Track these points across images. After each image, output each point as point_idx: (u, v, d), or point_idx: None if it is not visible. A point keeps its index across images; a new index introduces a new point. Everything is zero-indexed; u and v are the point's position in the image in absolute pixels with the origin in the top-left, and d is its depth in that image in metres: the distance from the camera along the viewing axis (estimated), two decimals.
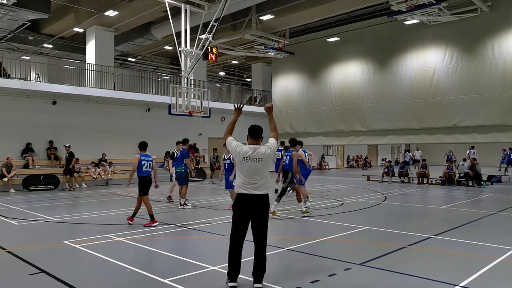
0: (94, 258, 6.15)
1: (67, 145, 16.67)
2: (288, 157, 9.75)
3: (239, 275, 4.78)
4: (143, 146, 9.02)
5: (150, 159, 8.88)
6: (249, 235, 4.80)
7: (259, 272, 4.75)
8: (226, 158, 10.37)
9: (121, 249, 6.84)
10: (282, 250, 6.47)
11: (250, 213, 4.79)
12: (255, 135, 4.97)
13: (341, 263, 5.78)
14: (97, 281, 5.26)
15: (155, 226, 8.53)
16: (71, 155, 16.35)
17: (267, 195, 4.88)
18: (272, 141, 5.01)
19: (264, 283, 4.75)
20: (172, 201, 12.11)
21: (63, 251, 6.58)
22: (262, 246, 4.79)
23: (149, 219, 8.67)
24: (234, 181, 10.07)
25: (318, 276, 5.18)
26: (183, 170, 11.26)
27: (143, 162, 8.70)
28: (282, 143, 14.99)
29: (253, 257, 4.79)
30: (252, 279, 4.78)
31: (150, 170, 8.81)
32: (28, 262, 5.81)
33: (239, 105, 5.31)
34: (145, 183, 8.74)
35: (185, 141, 11.80)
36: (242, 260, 4.78)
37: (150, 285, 4.95)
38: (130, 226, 8.52)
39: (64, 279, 5.08)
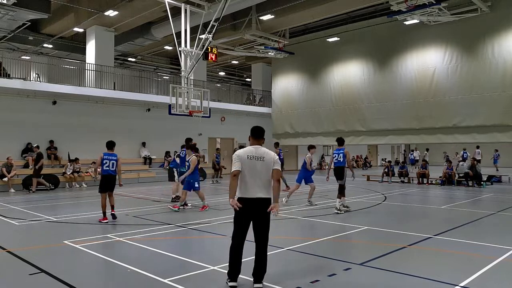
0: (94, 258, 6.16)
1: (35, 145, 16.71)
2: (341, 154, 10.50)
3: (239, 275, 4.79)
4: (109, 145, 9.26)
5: (114, 158, 9.11)
6: (249, 235, 4.80)
7: (259, 272, 4.75)
8: (187, 159, 10.94)
9: (121, 249, 6.84)
10: (282, 250, 6.47)
11: (252, 215, 4.79)
12: (257, 135, 5.01)
13: (341, 263, 5.78)
14: (97, 281, 5.27)
15: (105, 222, 8.86)
16: (39, 156, 15.82)
17: (269, 199, 4.85)
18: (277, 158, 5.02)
19: (264, 283, 4.75)
20: (177, 198, 12.01)
21: (63, 251, 6.57)
22: (263, 246, 4.79)
23: (102, 215, 9.11)
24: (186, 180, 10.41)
25: (318, 276, 5.18)
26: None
27: (105, 161, 8.98)
28: (277, 144, 15.14)
29: (253, 257, 4.80)
30: (252, 279, 4.78)
31: (112, 169, 9.04)
32: (28, 262, 5.81)
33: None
34: (103, 181, 9.08)
35: (187, 141, 11.62)
36: (242, 260, 4.78)
37: (150, 285, 4.95)
38: (130, 226, 8.53)
39: (64, 279, 5.08)
